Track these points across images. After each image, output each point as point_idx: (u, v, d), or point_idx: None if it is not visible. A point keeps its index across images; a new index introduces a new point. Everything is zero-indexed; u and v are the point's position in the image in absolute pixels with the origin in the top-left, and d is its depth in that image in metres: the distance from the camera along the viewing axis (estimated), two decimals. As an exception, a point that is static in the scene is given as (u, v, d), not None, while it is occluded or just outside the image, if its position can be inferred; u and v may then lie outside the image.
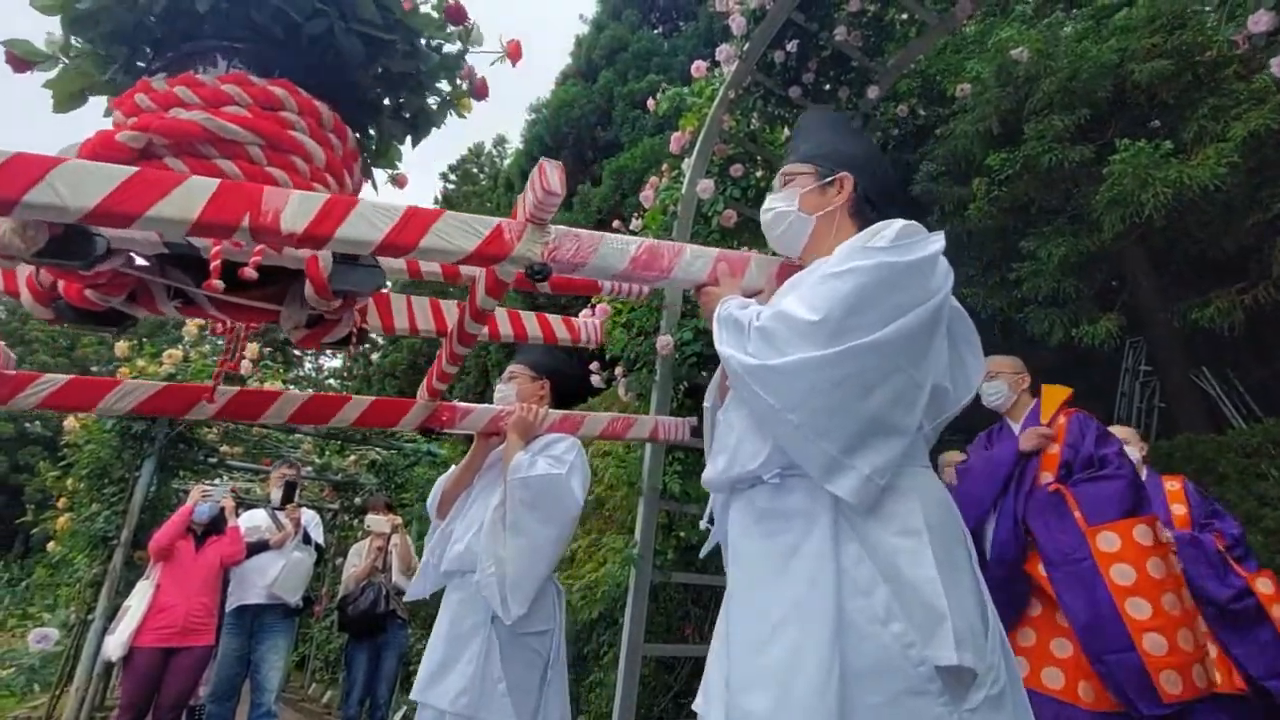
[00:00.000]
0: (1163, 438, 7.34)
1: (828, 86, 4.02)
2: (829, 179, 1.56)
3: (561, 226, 1.61)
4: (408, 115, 1.87)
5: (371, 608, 4.40)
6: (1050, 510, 2.43)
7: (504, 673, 2.09)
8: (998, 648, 1.19)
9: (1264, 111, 6.16)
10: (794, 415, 1.23)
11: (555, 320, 2.75)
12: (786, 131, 4.21)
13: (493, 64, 1.93)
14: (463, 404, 2.56)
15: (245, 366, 6.18)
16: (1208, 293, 7.26)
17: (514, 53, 1.95)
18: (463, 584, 2.28)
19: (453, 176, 26.98)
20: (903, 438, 1.27)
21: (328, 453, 7.81)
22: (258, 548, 4.54)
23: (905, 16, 3.94)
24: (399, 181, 2.05)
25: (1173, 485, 3.17)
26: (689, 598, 3.71)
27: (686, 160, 3.82)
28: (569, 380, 2.79)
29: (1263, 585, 2.84)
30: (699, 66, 3.93)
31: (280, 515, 4.59)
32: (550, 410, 2.51)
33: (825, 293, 1.30)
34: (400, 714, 5.30)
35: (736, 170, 3.86)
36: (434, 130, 1.94)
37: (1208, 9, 7.26)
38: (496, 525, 2.17)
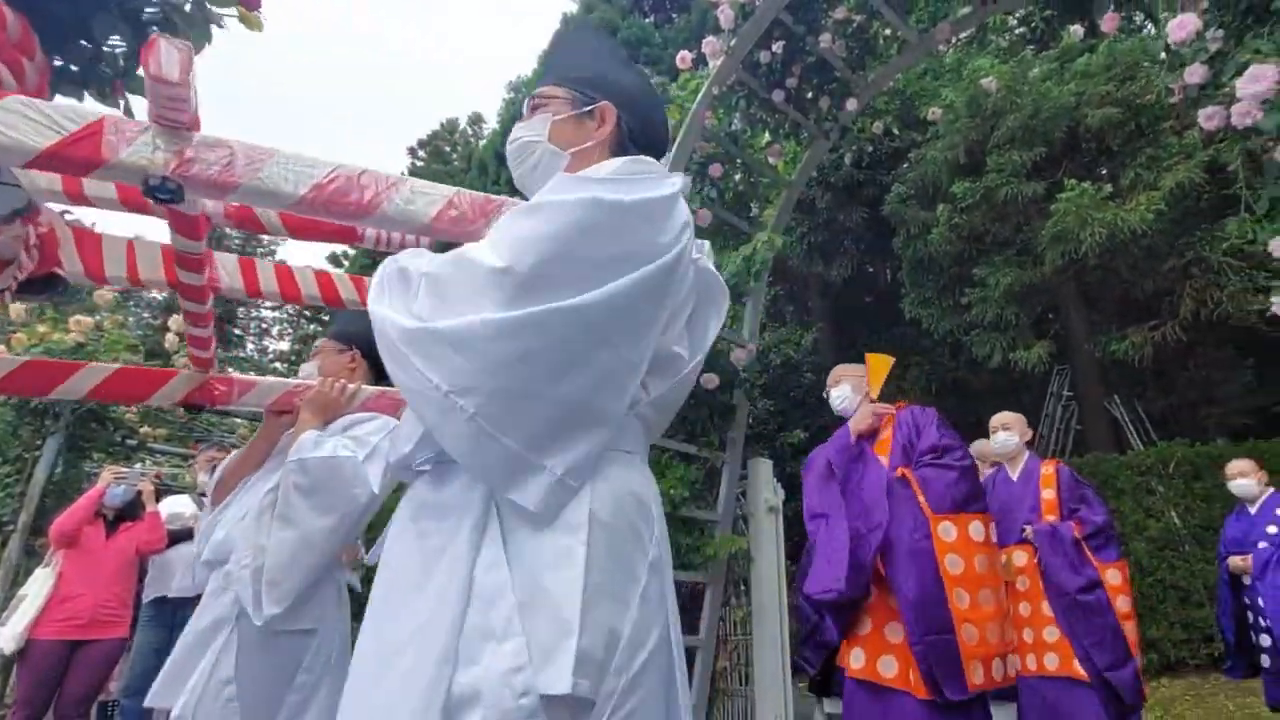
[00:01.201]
0: (1075, 455, 7.90)
1: (810, 94, 4.06)
2: (588, 108, 1.20)
3: (211, 135, 1.21)
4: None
5: None
6: (892, 493, 2.39)
7: (238, 677, 1.78)
8: (629, 668, 0.90)
9: (1190, 165, 6.68)
10: (466, 401, 0.91)
11: (339, 278, 2.21)
12: (768, 136, 4.23)
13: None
14: (244, 377, 2.21)
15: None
16: (1126, 328, 7.83)
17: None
18: (217, 576, 1.96)
19: (421, 152, 25.73)
20: (607, 427, 0.97)
21: None
22: (181, 536, 4.21)
23: (889, 32, 4.01)
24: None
25: (1047, 470, 3.29)
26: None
27: (666, 155, 3.80)
28: None
29: (1112, 576, 3.01)
30: (684, 57, 3.91)
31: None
32: (364, 387, 2.11)
33: (516, 232, 0.96)
34: None
35: (715, 170, 3.85)
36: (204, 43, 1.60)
37: (1158, 62, 7.75)
38: (265, 512, 1.88)
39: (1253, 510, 4.06)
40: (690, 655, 3.58)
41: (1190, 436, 7.29)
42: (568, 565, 0.89)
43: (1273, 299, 2.67)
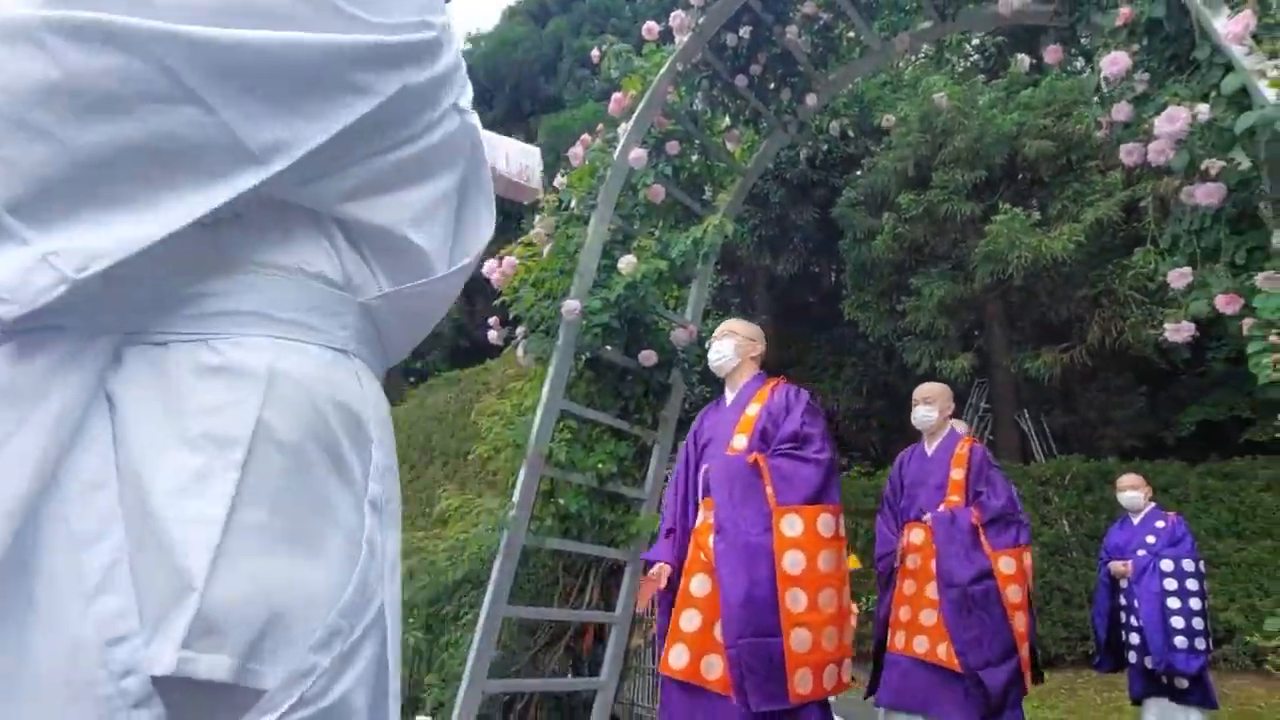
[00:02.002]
0: (984, 464, 8.39)
1: (772, 85, 4.13)
2: None
3: None
4: None
5: None
6: (738, 479, 2.19)
7: None
8: (336, 642, 0.63)
9: (1110, 203, 7.19)
10: None
11: None
12: (728, 120, 4.27)
13: None
14: None
15: None
16: (1040, 348, 8.37)
17: None
18: None
19: None
20: (153, 215, 0.60)
21: None
22: None
23: (852, 34, 4.11)
24: None
25: (961, 450, 3.16)
26: (560, 564, 3.73)
27: (624, 125, 3.77)
28: None
29: (1005, 565, 2.87)
30: (650, 28, 3.89)
31: None
32: None
33: None
34: None
35: (673, 147, 3.85)
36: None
37: (1091, 101, 8.24)
38: None
39: (1135, 521, 4.41)
40: (604, 631, 3.62)
41: (1086, 453, 7.86)
42: (199, 494, 0.61)
43: (1166, 326, 2.91)
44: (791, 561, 2.07)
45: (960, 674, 2.76)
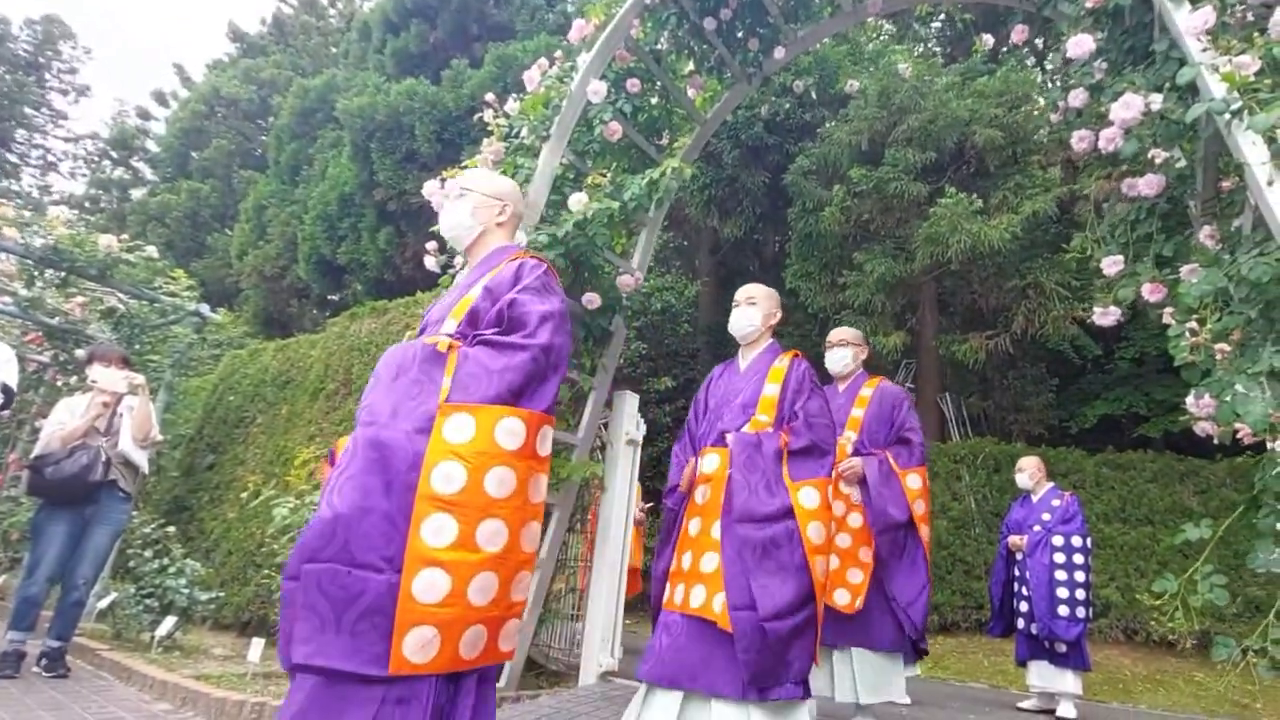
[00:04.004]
0: (903, 440, 8.74)
1: (740, 34, 3.99)
2: None
3: None
4: None
5: (84, 473, 3.45)
6: (408, 368, 1.53)
7: None
8: None
9: (1047, 198, 7.45)
10: None
11: None
12: (691, 65, 4.11)
13: None
14: None
15: None
16: (967, 334, 8.71)
17: None
18: None
19: None
20: None
21: (39, 284, 5.63)
22: None
23: (825, -11, 4.01)
24: None
25: (780, 363, 2.61)
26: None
27: (583, 55, 3.57)
28: None
29: (806, 498, 2.32)
30: (619, -45, 3.66)
31: None
32: None
33: None
34: (108, 600, 4.37)
35: (634, 86, 3.68)
36: None
37: (1044, 92, 8.49)
38: None
39: (1034, 500, 4.69)
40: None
41: (998, 436, 8.30)
42: None
43: (1095, 309, 3.01)
44: (445, 476, 1.40)
45: (731, 633, 2.16)
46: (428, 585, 1.35)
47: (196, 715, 2.89)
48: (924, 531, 3.07)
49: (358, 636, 1.31)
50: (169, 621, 3.96)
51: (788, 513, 2.27)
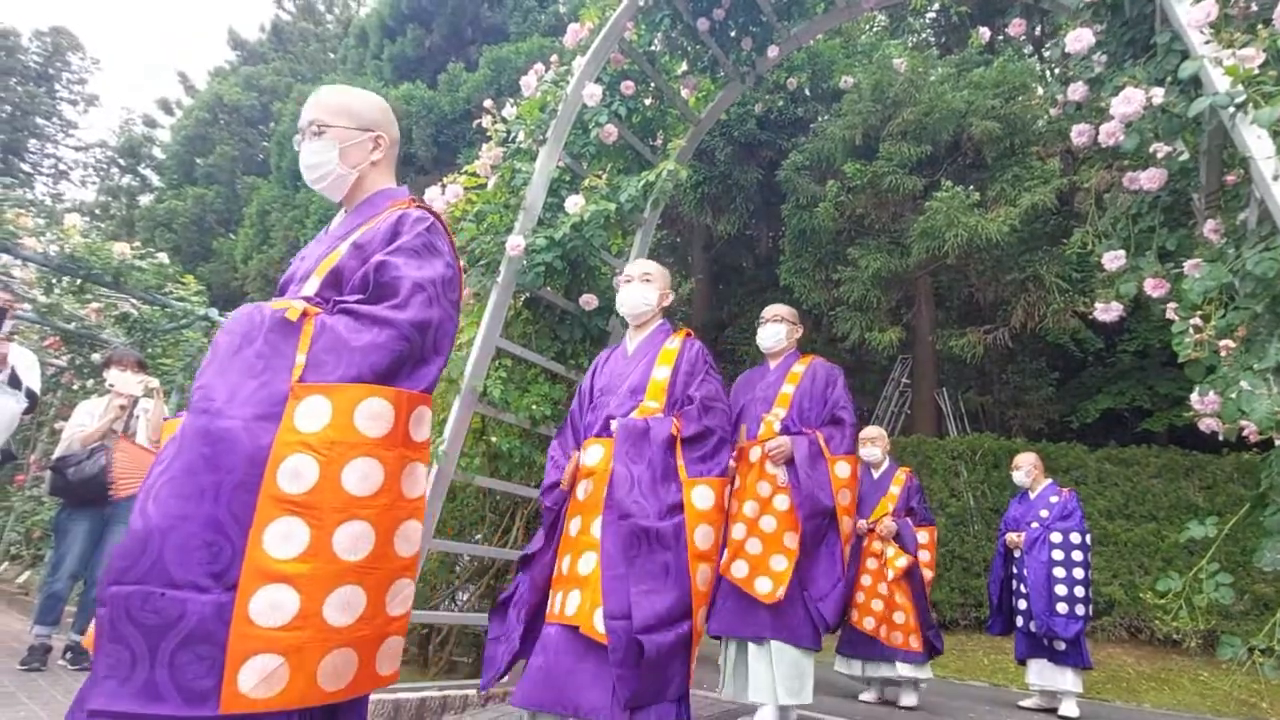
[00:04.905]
0: (902, 435, 8.73)
1: (734, 33, 3.94)
2: None
3: None
4: None
5: (103, 473, 3.56)
6: (254, 336, 1.26)
7: None
8: None
9: (1046, 190, 7.40)
10: None
11: None
12: (685, 65, 4.07)
13: None
14: None
15: None
16: (965, 328, 8.68)
17: None
18: None
19: (289, 4, 22.86)
20: None
21: (57, 291, 5.67)
22: None
23: (819, -15, 3.96)
24: None
25: (672, 344, 2.41)
26: (487, 503, 3.63)
27: (579, 59, 3.52)
28: None
29: (699, 497, 2.10)
30: (612, -41, 3.61)
31: None
32: None
33: None
34: None
35: (628, 88, 3.65)
36: None
37: (1043, 82, 8.45)
38: None
39: (1032, 496, 4.66)
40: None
41: (997, 431, 8.28)
42: None
43: (1097, 305, 2.98)
44: (291, 472, 1.14)
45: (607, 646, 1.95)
46: (270, 605, 1.10)
47: None
48: (845, 524, 2.86)
49: (178, 670, 1.05)
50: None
51: (677, 509, 2.06)
